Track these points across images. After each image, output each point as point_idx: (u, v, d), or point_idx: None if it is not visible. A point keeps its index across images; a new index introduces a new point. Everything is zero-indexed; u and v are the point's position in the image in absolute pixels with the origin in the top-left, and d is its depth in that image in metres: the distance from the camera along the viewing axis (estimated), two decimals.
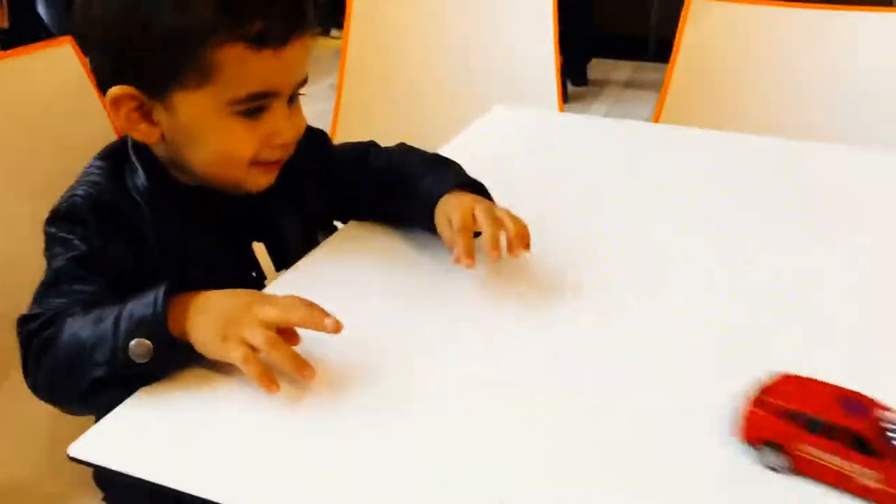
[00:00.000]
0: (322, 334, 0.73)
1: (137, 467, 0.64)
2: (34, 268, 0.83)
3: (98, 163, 0.89)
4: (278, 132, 0.85)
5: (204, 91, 0.81)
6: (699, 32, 1.67)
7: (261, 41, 0.80)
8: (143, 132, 0.85)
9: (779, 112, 1.69)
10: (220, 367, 0.74)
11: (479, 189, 0.97)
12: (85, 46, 0.86)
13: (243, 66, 0.80)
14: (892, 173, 1.24)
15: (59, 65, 1.14)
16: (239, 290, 0.78)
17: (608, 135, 1.43)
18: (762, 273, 0.94)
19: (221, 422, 0.70)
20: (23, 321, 0.79)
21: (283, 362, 0.72)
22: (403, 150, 1.07)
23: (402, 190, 0.99)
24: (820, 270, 0.95)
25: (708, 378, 0.75)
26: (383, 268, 0.95)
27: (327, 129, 1.95)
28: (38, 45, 1.15)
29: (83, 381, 0.73)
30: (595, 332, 0.83)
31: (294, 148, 0.90)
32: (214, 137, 0.84)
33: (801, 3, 1.64)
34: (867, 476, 0.55)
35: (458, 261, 0.85)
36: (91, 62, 0.86)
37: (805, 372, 0.64)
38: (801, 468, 0.58)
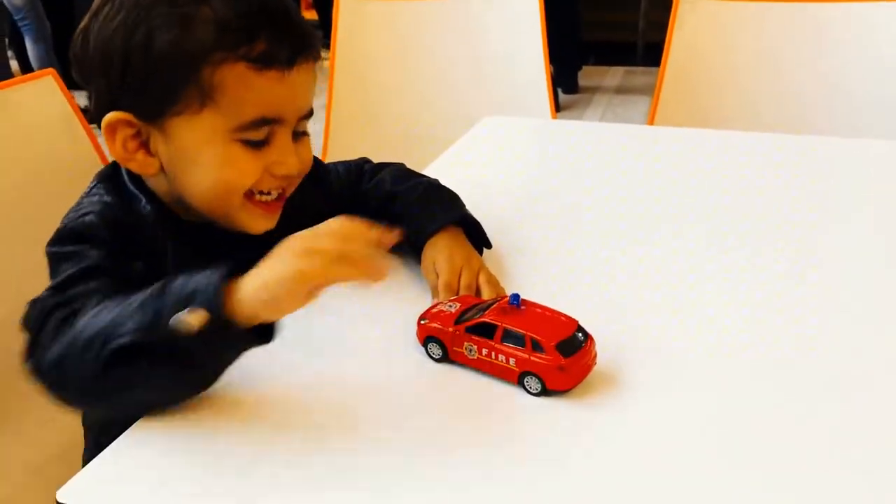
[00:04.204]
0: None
1: None
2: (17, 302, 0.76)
3: (101, 184, 0.84)
4: (281, 162, 0.81)
5: (205, 115, 0.77)
6: (688, 32, 1.66)
7: (264, 62, 0.76)
8: (140, 162, 0.80)
9: (769, 108, 1.68)
10: (210, 407, 0.71)
11: (470, 225, 0.95)
12: (84, 75, 0.81)
13: (246, 88, 0.77)
14: (886, 162, 1.23)
15: (42, 99, 1.13)
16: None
17: (602, 139, 1.42)
18: (763, 270, 0.92)
19: (214, 461, 0.66)
20: (36, 300, 0.72)
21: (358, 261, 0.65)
22: (398, 176, 1.03)
23: (395, 222, 0.95)
24: (822, 263, 0.93)
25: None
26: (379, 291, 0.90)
27: (319, 148, 1.94)
28: (22, 77, 1.14)
29: (102, 354, 0.64)
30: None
31: (297, 183, 0.86)
32: (215, 163, 0.79)
33: None
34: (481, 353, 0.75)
35: None
36: (90, 93, 0.81)
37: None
38: (453, 357, 0.77)
